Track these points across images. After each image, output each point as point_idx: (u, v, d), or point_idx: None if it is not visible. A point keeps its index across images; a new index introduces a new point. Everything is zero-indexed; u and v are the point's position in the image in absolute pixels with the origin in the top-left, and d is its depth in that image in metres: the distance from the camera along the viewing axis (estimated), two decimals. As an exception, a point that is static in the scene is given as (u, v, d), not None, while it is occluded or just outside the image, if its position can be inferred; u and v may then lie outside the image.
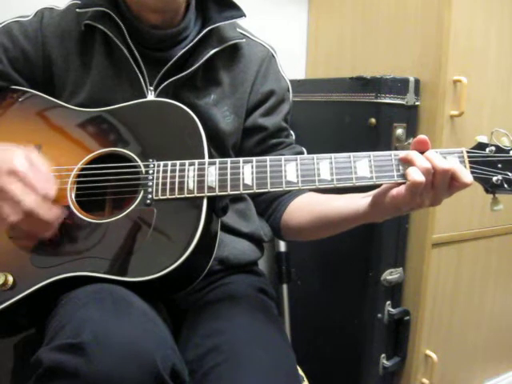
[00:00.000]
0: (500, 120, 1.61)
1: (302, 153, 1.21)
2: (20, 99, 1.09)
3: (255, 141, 1.18)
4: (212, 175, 0.92)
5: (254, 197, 1.22)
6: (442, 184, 0.87)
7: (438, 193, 0.88)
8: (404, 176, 0.88)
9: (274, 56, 1.22)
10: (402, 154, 0.90)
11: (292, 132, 1.26)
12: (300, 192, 1.16)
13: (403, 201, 0.87)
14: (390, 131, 1.48)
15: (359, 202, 0.98)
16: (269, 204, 1.20)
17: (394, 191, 0.88)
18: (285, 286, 1.72)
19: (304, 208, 1.13)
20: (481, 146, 0.91)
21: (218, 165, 0.93)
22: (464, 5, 1.47)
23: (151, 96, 1.07)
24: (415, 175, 0.85)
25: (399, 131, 1.48)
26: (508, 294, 1.86)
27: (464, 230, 1.64)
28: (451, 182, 0.87)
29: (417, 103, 1.51)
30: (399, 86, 1.47)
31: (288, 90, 1.24)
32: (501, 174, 0.90)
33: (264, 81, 1.18)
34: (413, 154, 0.88)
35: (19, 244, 0.94)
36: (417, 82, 1.49)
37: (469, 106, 1.49)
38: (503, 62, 1.61)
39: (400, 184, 0.88)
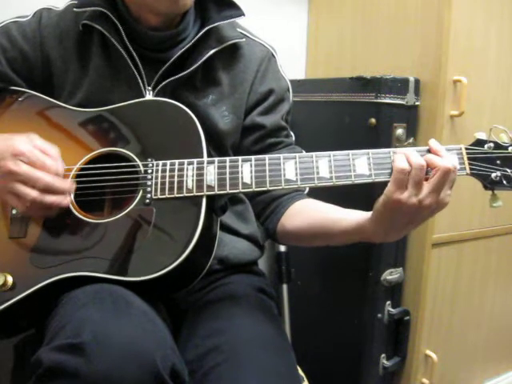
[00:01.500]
0: (500, 120, 1.61)
1: None
2: (18, 100, 1.09)
3: (253, 139, 1.17)
4: (211, 174, 0.92)
5: (252, 197, 1.21)
6: (442, 180, 0.86)
7: (439, 190, 0.86)
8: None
9: (273, 56, 1.22)
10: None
11: (292, 133, 1.25)
12: (300, 196, 1.16)
13: (393, 194, 0.86)
14: (390, 131, 1.48)
15: (361, 214, 0.97)
16: (266, 205, 1.18)
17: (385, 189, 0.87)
18: (285, 286, 1.72)
19: (304, 213, 1.11)
20: (479, 143, 0.91)
21: (216, 164, 0.93)
22: (464, 5, 1.47)
23: (149, 96, 1.07)
24: (399, 162, 0.85)
25: (399, 131, 1.48)
26: (508, 294, 1.86)
27: (464, 229, 1.64)
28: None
29: (417, 103, 1.51)
30: (399, 86, 1.47)
31: (288, 90, 1.23)
32: (500, 170, 0.89)
33: (263, 80, 1.17)
34: (407, 150, 0.88)
35: (19, 244, 0.94)
36: (417, 82, 1.50)
37: (469, 105, 1.49)
38: (503, 62, 1.61)
39: None
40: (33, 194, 0.89)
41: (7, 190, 0.90)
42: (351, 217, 0.99)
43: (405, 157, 0.86)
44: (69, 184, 0.94)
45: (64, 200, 0.93)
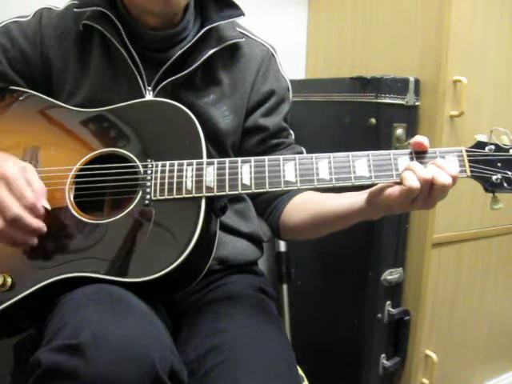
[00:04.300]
0: (500, 120, 1.61)
1: (301, 153, 1.21)
2: (19, 99, 1.09)
3: (256, 141, 1.18)
4: (210, 175, 0.92)
5: (254, 197, 1.22)
6: (439, 195, 0.87)
7: (433, 200, 0.88)
8: (401, 179, 0.88)
9: (274, 55, 1.22)
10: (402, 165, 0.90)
11: (292, 132, 1.26)
12: (299, 191, 1.16)
13: (395, 202, 0.88)
14: (390, 131, 1.48)
15: (354, 200, 0.98)
16: (268, 204, 1.19)
17: (388, 191, 0.88)
18: (285, 286, 1.71)
19: (301, 207, 1.13)
20: (480, 145, 0.91)
21: (216, 165, 0.93)
22: (464, 5, 1.47)
23: (149, 96, 1.07)
24: (412, 182, 0.85)
25: (399, 131, 1.48)
26: (508, 294, 1.86)
27: (464, 229, 1.64)
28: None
29: (417, 103, 1.51)
30: (399, 86, 1.47)
31: (288, 90, 1.24)
32: (500, 172, 0.89)
33: (264, 80, 1.18)
34: (414, 166, 0.88)
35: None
36: (417, 82, 1.49)
37: (469, 106, 1.49)
38: (503, 62, 1.61)
39: (396, 183, 0.89)
40: None
41: None
42: (347, 203, 1.00)
43: (413, 174, 0.86)
44: (39, 224, 0.90)
45: (29, 240, 0.90)
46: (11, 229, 0.88)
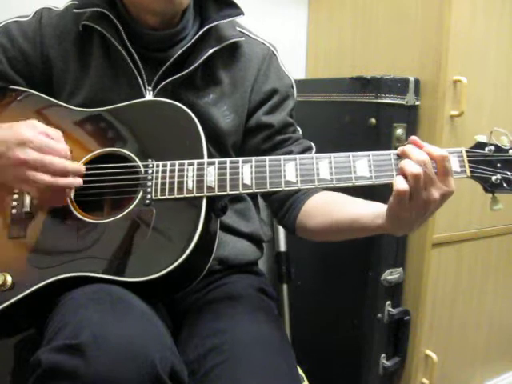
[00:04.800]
0: (500, 120, 1.61)
1: (310, 147, 1.19)
2: (18, 99, 1.09)
3: (261, 138, 1.16)
4: (211, 175, 0.92)
5: (266, 196, 1.20)
6: (429, 182, 0.85)
7: (434, 193, 0.86)
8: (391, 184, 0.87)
9: (274, 54, 1.21)
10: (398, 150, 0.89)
11: (298, 128, 1.23)
12: (315, 190, 1.14)
13: (396, 208, 0.87)
14: (390, 131, 1.48)
15: (378, 210, 0.96)
16: (282, 203, 1.16)
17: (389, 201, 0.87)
18: (285, 286, 1.72)
19: (321, 210, 1.09)
20: (480, 146, 0.91)
21: (217, 165, 0.93)
22: (464, 5, 1.47)
23: (149, 96, 1.07)
24: (399, 184, 0.84)
25: (399, 131, 1.48)
26: (508, 294, 1.86)
27: (464, 229, 1.64)
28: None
29: (417, 103, 1.51)
30: (399, 86, 1.47)
31: (292, 87, 1.22)
32: (500, 173, 0.89)
33: (265, 79, 1.17)
34: (408, 149, 0.87)
35: (19, 244, 0.94)
36: (417, 82, 1.49)
37: (469, 106, 1.49)
38: (503, 62, 1.61)
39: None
40: (46, 179, 0.89)
41: (20, 178, 0.90)
42: (369, 213, 0.98)
43: (403, 177, 0.85)
44: (79, 165, 0.95)
45: (76, 181, 0.94)
46: (58, 179, 0.91)
